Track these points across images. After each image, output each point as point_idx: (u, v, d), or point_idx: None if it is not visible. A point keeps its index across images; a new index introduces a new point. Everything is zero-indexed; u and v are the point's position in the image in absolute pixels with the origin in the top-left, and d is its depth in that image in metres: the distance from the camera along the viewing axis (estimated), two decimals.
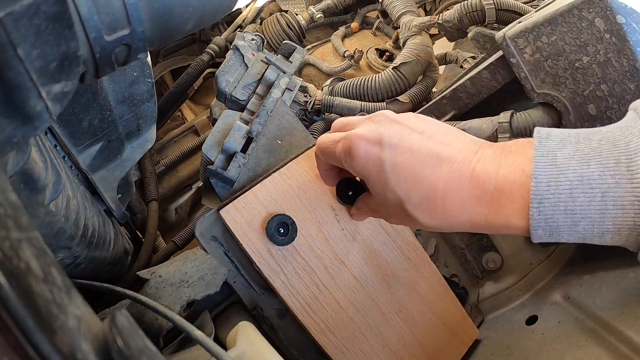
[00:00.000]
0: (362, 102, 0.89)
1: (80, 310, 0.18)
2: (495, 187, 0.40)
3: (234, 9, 1.10)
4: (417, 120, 0.46)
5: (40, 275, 0.16)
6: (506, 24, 0.75)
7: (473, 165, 0.41)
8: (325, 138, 0.51)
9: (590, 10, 0.61)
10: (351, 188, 0.58)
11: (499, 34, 0.63)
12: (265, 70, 0.74)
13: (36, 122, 0.25)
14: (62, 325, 0.16)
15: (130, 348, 0.17)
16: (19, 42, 0.21)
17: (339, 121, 0.53)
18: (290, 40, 1.07)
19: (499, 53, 0.66)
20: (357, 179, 0.58)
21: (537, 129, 0.41)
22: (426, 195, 0.42)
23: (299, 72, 1.09)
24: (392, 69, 0.91)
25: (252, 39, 0.79)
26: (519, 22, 0.64)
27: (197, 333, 0.34)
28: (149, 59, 0.53)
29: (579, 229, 0.38)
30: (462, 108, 0.74)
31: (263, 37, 0.82)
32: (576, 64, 0.61)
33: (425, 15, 1.13)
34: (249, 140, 0.65)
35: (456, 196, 0.41)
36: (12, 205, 0.18)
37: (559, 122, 0.62)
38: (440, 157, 0.42)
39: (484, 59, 0.72)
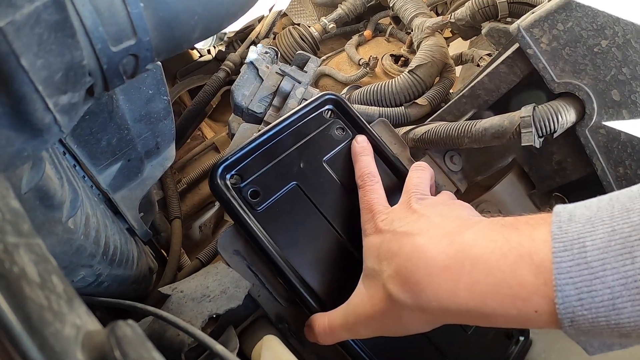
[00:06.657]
0: (380, 108, 0.88)
1: (82, 320, 0.17)
2: None
3: (246, 25, 1.11)
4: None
5: (37, 281, 0.16)
6: (519, 16, 0.73)
7: None
8: None
9: None
10: None
11: (513, 26, 0.62)
12: (280, 81, 0.74)
13: (45, 135, 0.25)
14: (56, 332, 0.15)
15: (129, 359, 0.16)
16: (22, 52, 0.21)
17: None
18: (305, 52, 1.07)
19: (515, 46, 0.64)
20: None
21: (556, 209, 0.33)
22: None
23: (315, 84, 1.09)
24: (408, 72, 0.90)
25: (266, 52, 0.79)
26: (533, 13, 0.63)
27: (219, 347, 0.34)
28: (163, 76, 0.54)
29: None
30: (482, 106, 0.72)
31: (276, 49, 0.82)
32: (595, 49, 0.58)
33: None
34: None
35: None
36: (12, 211, 0.17)
37: (582, 111, 0.59)
38: None
39: (500, 54, 0.71)
